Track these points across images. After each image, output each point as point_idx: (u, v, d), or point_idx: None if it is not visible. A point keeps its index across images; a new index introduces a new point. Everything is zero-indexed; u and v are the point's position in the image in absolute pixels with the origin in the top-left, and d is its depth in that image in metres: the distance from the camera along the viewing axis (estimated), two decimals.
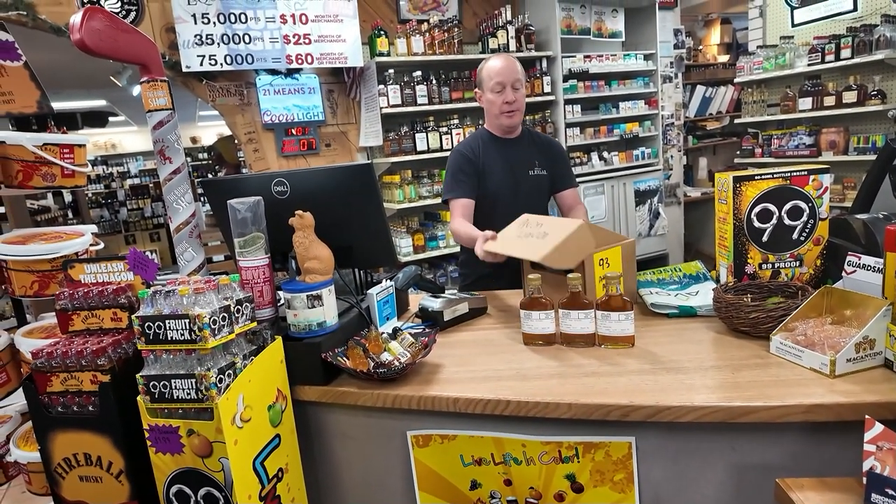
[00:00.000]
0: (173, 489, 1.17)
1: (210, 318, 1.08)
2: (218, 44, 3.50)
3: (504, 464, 1.24)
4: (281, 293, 1.35)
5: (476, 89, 2.23)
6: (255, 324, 1.23)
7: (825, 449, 1.08)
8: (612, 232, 1.75)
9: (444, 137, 4.00)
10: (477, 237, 1.76)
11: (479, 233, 1.79)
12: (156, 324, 1.09)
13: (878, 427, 0.84)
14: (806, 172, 1.41)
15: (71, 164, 2.13)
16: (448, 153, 2.32)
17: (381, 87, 3.81)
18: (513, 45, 4.22)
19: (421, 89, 3.94)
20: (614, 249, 1.60)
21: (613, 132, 4.64)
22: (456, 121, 4.07)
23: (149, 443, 1.16)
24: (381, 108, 3.81)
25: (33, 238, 2.07)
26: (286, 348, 1.30)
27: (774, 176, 1.41)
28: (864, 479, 0.84)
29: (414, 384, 1.28)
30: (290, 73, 3.87)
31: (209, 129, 11.38)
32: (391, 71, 3.87)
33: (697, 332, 1.43)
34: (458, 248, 2.36)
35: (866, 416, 0.86)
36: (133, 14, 3.48)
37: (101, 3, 3.37)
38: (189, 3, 3.39)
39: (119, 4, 3.43)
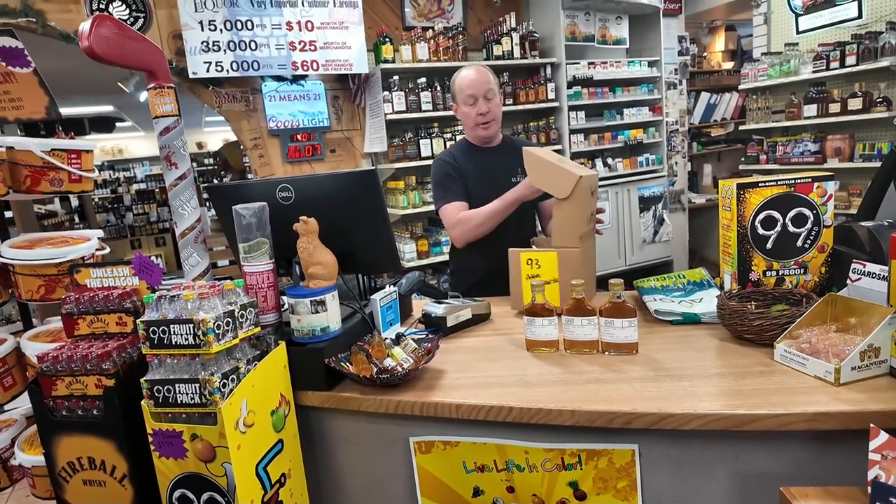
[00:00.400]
0: (176, 494, 1.17)
1: (214, 323, 1.08)
2: (224, 50, 3.52)
3: (507, 471, 1.23)
4: (285, 298, 1.36)
5: (451, 102, 2.20)
6: (258, 329, 1.24)
7: (829, 458, 1.07)
8: (585, 220, 1.64)
9: (448, 144, 4.01)
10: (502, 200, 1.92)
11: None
12: (160, 328, 1.10)
13: (883, 436, 0.84)
14: (810, 179, 1.40)
15: (78, 169, 2.15)
16: None
17: (386, 93, 3.83)
18: (517, 52, 4.24)
19: (425, 96, 3.96)
20: (549, 254, 1.55)
21: (617, 138, 4.64)
22: (460, 127, 4.08)
23: (152, 447, 1.16)
24: (385, 114, 3.83)
25: (40, 242, 2.09)
26: (289, 353, 1.30)
27: (779, 183, 1.41)
28: (869, 489, 0.83)
29: (417, 390, 1.28)
30: (296, 79, 3.90)
31: (215, 135, 11.44)
32: (396, 77, 3.89)
33: (701, 340, 1.42)
34: None
35: (871, 425, 0.85)
36: (141, 21, 3.52)
37: (110, 10, 3.41)
38: (196, 11, 3.43)
39: (127, 12, 3.47)
